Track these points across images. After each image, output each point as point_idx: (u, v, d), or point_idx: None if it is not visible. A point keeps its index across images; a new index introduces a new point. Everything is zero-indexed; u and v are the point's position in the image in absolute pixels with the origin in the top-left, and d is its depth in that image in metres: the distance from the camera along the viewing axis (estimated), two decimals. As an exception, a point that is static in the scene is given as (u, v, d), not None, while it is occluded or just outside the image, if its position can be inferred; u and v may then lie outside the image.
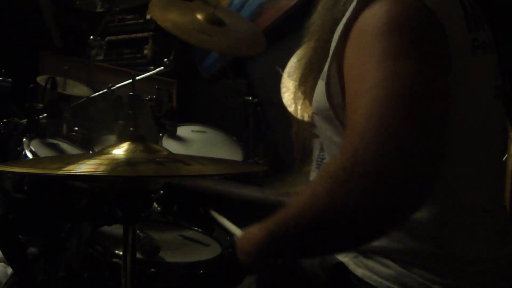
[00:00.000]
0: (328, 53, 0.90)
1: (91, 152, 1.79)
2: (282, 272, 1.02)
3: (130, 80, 1.99)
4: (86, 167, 0.79)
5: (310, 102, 1.01)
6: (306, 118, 1.09)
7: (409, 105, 0.73)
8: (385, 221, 0.75)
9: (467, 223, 0.87)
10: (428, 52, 0.78)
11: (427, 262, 0.86)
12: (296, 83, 1.08)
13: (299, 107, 1.09)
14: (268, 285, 1.01)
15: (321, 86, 0.92)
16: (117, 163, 0.82)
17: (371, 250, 0.89)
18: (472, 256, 0.87)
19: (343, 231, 0.77)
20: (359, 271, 0.90)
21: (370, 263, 0.89)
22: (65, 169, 0.78)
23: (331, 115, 0.90)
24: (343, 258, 0.93)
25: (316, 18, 0.99)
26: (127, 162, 0.84)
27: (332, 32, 0.90)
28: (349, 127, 0.79)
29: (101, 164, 0.80)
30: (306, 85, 1.05)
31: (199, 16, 2.05)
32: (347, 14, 0.85)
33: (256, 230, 0.88)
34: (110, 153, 0.87)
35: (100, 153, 0.90)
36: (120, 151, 0.87)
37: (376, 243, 0.86)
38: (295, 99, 1.10)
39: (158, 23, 1.96)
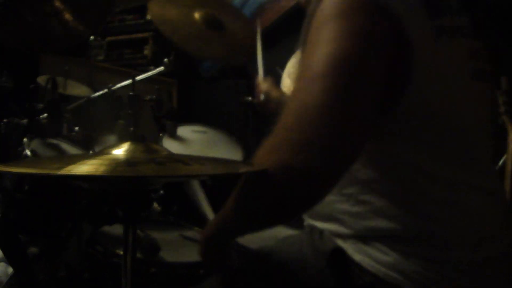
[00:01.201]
0: None
1: (91, 152, 1.79)
2: (275, 257, 1.04)
3: (131, 80, 1.99)
4: (86, 168, 0.79)
5: None
6: None
7: (337, 81, 0.81)
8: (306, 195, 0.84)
9: (465, 203, 0.91)
10: (370, 31, 0.85)
11: (425, 251, 0.87)
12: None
13: None
14: (261, 269, 1.03)
15: None
16: (117, 164, 0.82)
17: (371, 236, 0.90)
18: (470, 239, 0.89)
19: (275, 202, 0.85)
20: (357, 257, 0.91)
21: (369, 249, 0.90)
22: (65, 169, 0.78)
23: None
24: (342, 244, 0.93)
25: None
26: (127, 162, 0.84)
27: None
28: (286, 105, 0.87)
29: (101, 164, 0.80)
30: None
31: (197, 16, 2.04)
32: (312, 4, 0.91)
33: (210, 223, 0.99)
34: (110, 153, 0.87)
35: (100, 153, 0.90)
36: (120, 151, 0.87)
37: (375, 225, 0.90)
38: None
39: (157, 25, 1.96)
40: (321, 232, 0.99)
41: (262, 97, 1.88)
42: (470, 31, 0.98)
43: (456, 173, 0.91)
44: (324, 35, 0.85)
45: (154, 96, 2.00)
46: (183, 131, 2.01)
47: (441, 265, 0.87)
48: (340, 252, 0.93)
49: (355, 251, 0.91)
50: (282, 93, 1.87)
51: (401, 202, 0.89)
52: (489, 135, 1.00)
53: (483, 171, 0.96)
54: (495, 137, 1.05)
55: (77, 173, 0.78)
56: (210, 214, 1.23)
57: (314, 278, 0.95)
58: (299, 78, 0.87)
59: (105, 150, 0.90)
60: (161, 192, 1.77)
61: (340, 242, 0.94)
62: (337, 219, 0.94)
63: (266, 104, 1.87)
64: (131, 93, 1.86)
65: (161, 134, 1.93)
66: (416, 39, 0.86)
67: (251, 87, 2.36)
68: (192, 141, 1.99)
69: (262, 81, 1.94)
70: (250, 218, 0.92)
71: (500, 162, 2.00)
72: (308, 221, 1.04)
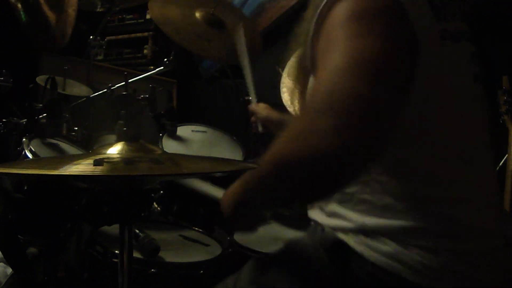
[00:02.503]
0: None
1: (90, 152, 1.79)
2: (281, 256, 1.05)
3: (130, 80, 1.99)
4: (81, 167, 0.79)
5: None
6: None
7: (368, 70, 0.82)
8: (332, 172, 0.82)
9: (463, 201, 0.93)
10: (388, 32, 0.86)
11: (425, 242, 0.89)
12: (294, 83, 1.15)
13: (296, 105, 1.14)
14: (267, 268, 1.04)
15: (311, 81, 0.99)
16: (112, 163, 0.82)
17: (372, 229, 0.92)
18: (469, 232, 0.91)
19: (297, 180, 0.84)
20: (358, 248, 0.93)
21: (370, 241, 0.92)
22: (61, 169, 0.78)
23: None
24: (344, 236, 0.95)
25: (304, 24, 1.05)
26: (123, 161, 0.84)
27: None
28: (312, 93, 0.88)
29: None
30: (301, 85, 1.12)
31: (198, 16, 2.04)
32: (320, 6, 0.91)
33: (235, 184, 0.97)
34: (104, 153, 0.87)
35: (95, 153, 0.90)
36: (114, 150, 0.87)
37: (376, 222, 0.92)
38: (292, 97, 1.17)
39: (158, 25, 1.96)
40: (322, 228, 1.01)
41: (260, 128, 1.72)
42: (471, 36, 1.01)
43: (456, 172, 0.93)
44: (345, 34, 0.85)
45: (147, 95, 1.99)
46: (183, 130, 2.00)
47: (441, 255, 0.89)
48: (341, 244, 0.95)
49: (356, 243, 0.93)
50: (281, 114, 1.67)
51: (401, 200, 0.91)
52: (488, 136, 1.03)
53: (481, 170, 0.98)
54: (495, 137, 1.07)
55: (73, 173, 0.77)
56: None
57: (318, 273, 0.97)
58: (321, 72, 0.87)
59: (99, 150, 0.89)
60: (161, 192, 1.77)
61: (341, 235, 0.96)
62: (340, 215, 0.97)
63: (265, 132, 1.73)
64: (124, 93, 1.85)
65: (161, 134, 1.92)
66: (422, 39, 0.88)
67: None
68: (192, 140, 1.99)
69: (256, 108, 1.77)
70: (274, 198, 0.93)
71: (501, 162, 2.00)
72: (311, 215, 1.06)
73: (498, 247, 0.94)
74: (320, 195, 0.91)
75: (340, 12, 0.87)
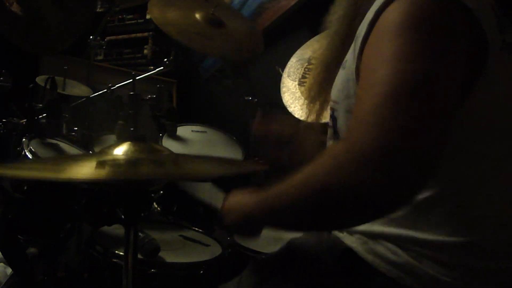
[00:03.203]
0: (346, 45, 0.92)
1: (90, 152, 1.79)
2: (286, 259, 1.02)
3: (130, 80, 1.99)
4: (87, 170, 0.79)
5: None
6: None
7: (408, 102, 0.75)
8: (375, 208, 0.78)
9: (488, 213, 0.88)
10: (446, 48, 0.79)
11: (438, 254, 0.85)
12: (297, 83, 1.11)
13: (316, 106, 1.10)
14: (271, 273, 1.01)
15: (342, 75, 0.94)
16: (118, 165, 0.81)
17: (381, 235, 0.89)
18: (487, 248, 0.87)
19: (335, 210, 0.79)
20: (368, 257, 0.90)
21: (380, 249, 0.89)
22: (66, 172, 0.77)
23: (353, 104, 0.89)
24: (352, 243, 0.92)
25: (337, 9, 1.01)
26: (129, 163, 0.83)
27: (352, 26, 0.93)
28: (353, 117, 0.82)
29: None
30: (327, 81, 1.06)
31: (198, 16, 2.04)
32: (377, 2, 0.85)
33: (248, 196, 0.91)
34: (110, 154, 0.86)
35: (100, 154, 0.90)
36: (120, 151, 0.86)
37: (386, 229, 0.88)
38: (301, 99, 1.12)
39: (159, 26, 1.96)
40: (328, 233, 0.98)
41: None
42: None
43: (488, 187, 0.88)
44: (394, 49, 0.78)
45: (154, 96, 1.99)
46: (183, 131, 2.00)
47: (455, 270, 0.85)
48: (351, 253, 0.91)
49: (365, 252, 0.90)
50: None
51: (416, 210, 0.86)
52: None
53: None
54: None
55: (79, 179, 0.77)
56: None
57: (324, 280, 0.94)
58: (363, 90, 0.81)
59: (105, 151, 0.89)
60: (161, 192, 1.77)
61: (349, 241, 0.93)
62: None
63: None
64: (131, 93, 1.86)
65: (161, 134, 1.92)
66: (491, 49, 0.83)
67: (251, 87, 2.36)
68: (192, 141, 1.99)
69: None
70: (301, 223, 0.86)
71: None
72: None
73: None
74: (357, 224, 0.88)
75: (394, 16, 0.80)
